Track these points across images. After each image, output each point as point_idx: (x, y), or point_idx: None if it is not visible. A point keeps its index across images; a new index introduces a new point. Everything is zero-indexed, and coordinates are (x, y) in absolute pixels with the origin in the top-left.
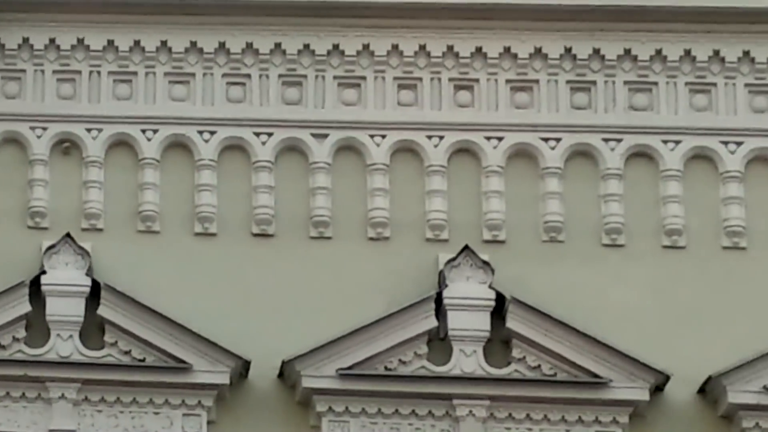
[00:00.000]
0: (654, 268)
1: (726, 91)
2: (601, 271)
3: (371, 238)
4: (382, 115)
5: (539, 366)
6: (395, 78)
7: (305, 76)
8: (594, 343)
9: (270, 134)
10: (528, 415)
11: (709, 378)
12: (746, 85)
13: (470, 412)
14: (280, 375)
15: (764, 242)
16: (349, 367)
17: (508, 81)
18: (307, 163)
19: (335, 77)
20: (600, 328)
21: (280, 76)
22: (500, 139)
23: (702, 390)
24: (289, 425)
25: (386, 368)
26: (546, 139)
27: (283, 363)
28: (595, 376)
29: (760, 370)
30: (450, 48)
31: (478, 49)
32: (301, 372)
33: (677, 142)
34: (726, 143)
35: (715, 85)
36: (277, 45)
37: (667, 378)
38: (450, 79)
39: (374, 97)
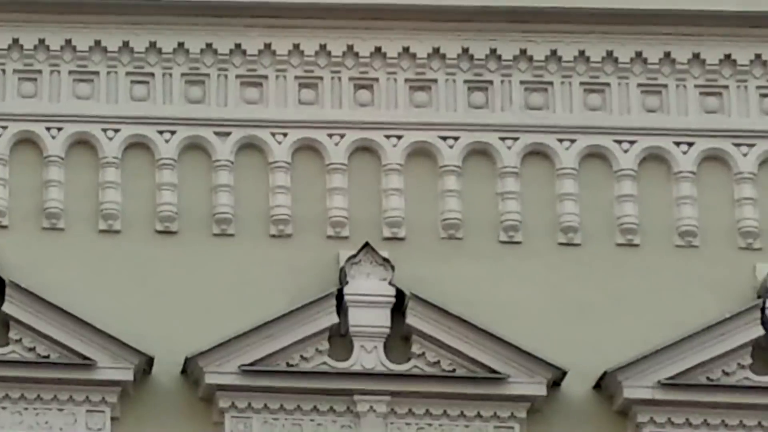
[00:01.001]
0: (550, 265)
1: (620, 90)
2: (498, 268)
3: (273, 236)
4: (283, 113)
5: (438, 362)
6: (296, 77)
7: (208, 75)
8: (492, 339)
9: (173, 132)
10: (428, 411)
11: (605, 373)
12: (639, 85)
13: (371, 407)
14: (183, 371)
15: (657, 239)
16: (252, 363)
17: (407, 80)
18: (210, 161)
19: (237, 76)
20: (498, 325)
21: (183, 74)
22: (399, 137)
23: (598, 385)
24: (192, 421)
25: (288, 364)
26: (444, 138)
27: (187, 359)
28: (493, 371)
29: (655, 365)
30: (350, 47)
31: (378, 49)
32: (204, 368)
33: (572, 141)
34: (620, 142)
35: (608, 85)
36: (180, 44)
37: (564, 373)
38: (350, 79)
39: (276, 95)
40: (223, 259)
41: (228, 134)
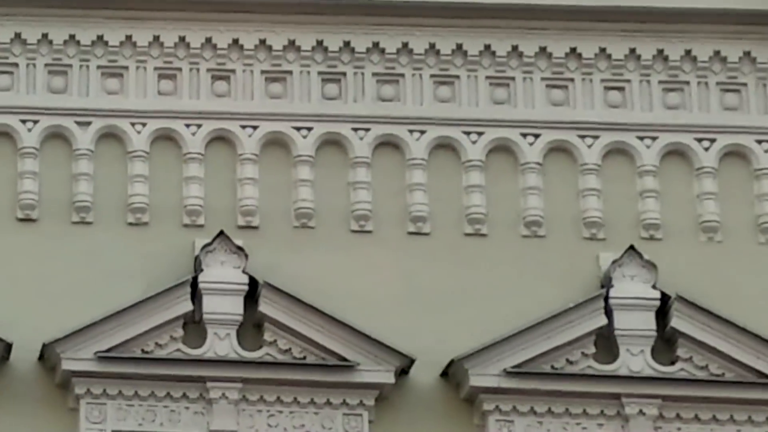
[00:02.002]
0: (400, 254)
1: (469, 83)
2: (349, 257)
3: (130, 224)
4: (143, 104)
5: (290, 349)
6: (156, 68)
7: (70, 66)
8: (342, 327)
9: (36, 121)
10: (279, 398)
11: (452, 361)
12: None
13: (223, 394)
14: (41, 357)
15: (504, 229)
16: (107, 350)
17: (263, 72)
18: (70, 149)
19: (99, 67)
20: (348, 313)
21: (46, 65)
22: (255, 127)
23: (445, 373)
24: (48, 407)
25: (143, 351)
26: (298, 128)
27: (44, 346)
28: (343, 359)
29: (500, 354)
30: (208, 39)
31: (235, 41)
32: (61, 354)
33: (422, 132)
34: (468, 133)
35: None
36: (44, 35)
37: (412, 361)
38: (208, 70)
39: (136, 86)
40: (81, 247)
41: (89, 123)
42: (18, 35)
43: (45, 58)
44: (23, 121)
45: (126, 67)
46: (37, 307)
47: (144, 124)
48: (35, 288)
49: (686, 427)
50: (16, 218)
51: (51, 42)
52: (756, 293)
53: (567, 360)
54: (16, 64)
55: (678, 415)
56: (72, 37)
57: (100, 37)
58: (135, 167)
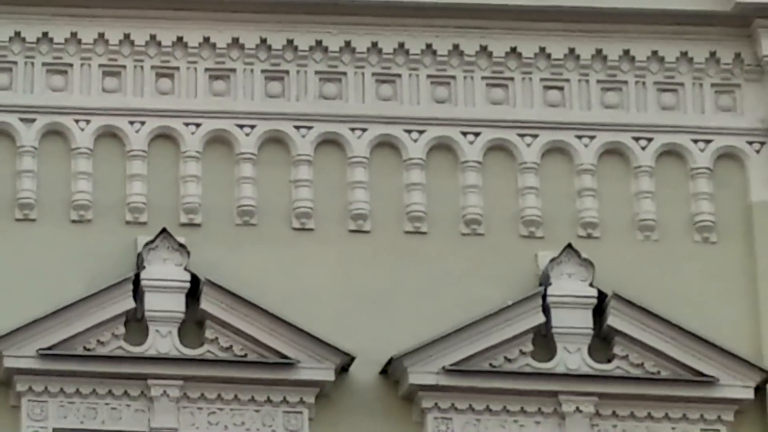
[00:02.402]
0: (341, 252)
1: (410, 82)
2: (291, 255)
3: (74, 221)
4: (87, 101)
5: (231, 347)
6: (101, 65)
7: (15, 63)
8: (283, 325)
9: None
10: (219, 396)
11: (391, 359)
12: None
13: (164, 392)
14: None
15: (444, 227)
16: (49, 348)
17: (207, 69)
18: (14, 146)
19: (44, 64)
20: (289, 310)
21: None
22: (198, 125)
23: (384, 371)
24: None
25: (85, 348)
26: (241, 126)
27: None
28: (284, 357)
29: (439, 352)
30: (153, 37)
31: (180, 38)
32: (3, 352)
33: (363, 130)
34: (410, 131)
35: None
36: (17, 33)
37: (352, 359)
38: (152, 67)
39: (80, 83)
40: (24, 244)
41: (33, 121)
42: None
43: None
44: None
45: (71, 65)
46: None
47: (88, 122)
48: None
49: (622, 424)
50: None
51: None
52: (691, 291)
53: (505, 358)
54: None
55: (614, 413)
56: (17, 33)
57: (45, 34)
58: (79, 164)
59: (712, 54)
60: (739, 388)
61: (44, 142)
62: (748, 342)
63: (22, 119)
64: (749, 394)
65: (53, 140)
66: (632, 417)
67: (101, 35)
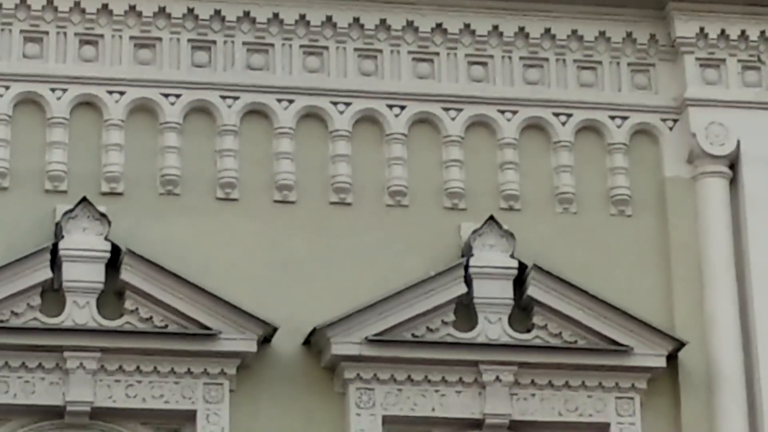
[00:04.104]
0: (265, 223)
1: (337, 55)
2: (214, 225)
3: None
4: (5, 66)
5: (151, 318)
6: (76, 34)
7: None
8: (205, 295)
9: None
10: (138, 368)
11: (314, 330)
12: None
13: (81, 364)
14: None
15: (369, 198)
16: None
17: (132, 37)
18: None
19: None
20: (211, 281)
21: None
22: (122, 93)
23: (307, 342)
24: None
25: None
26: (166, 95)
27: None
28: (205, 327)
29: (362, 322)
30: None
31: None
32: None
33: (290, 101)
34: (336, 104)
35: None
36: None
37: (275, 330)
38: (76, 34)
39: (56, 52)
40: None
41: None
42: None
43: None
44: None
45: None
46: None
47: (7, 87)
48: None
49: (540, 393)
50: None
51: None
52: (607, 263)
53: (427, 328)
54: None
55: (533, 382)
56: None
57: None
58: None
59: (629, 34)
60: (653, 356)
61: None
62: (661, 312)
63: None
64: (662, 363)
65: None
66: (550, 386)
67: (23, 1)
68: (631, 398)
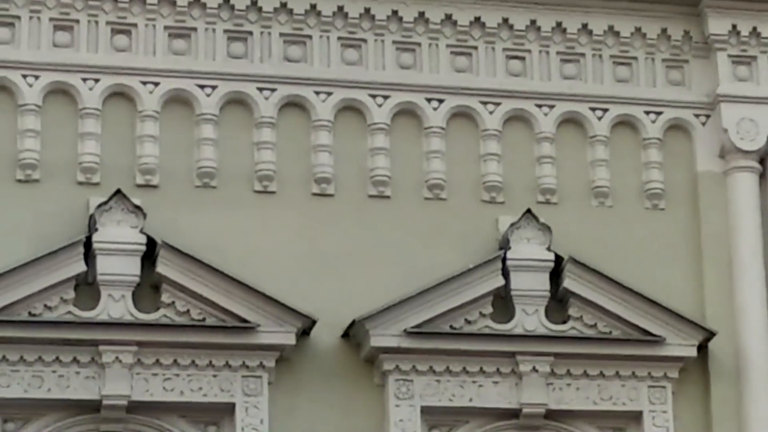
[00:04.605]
0: (303, 215)
1: (375, 47)
2: (252, 218)
3: (20, 180)
4: (36, 55)
5: (188, 311)
6: (51, 18)
7: (18, 17)
8: (242, 288)
9: None
10: (176, 361)
11: (353, 322)
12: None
13: (117, 358)
14: None
15: (407, 192)
16: None
17: (166, 27)
18: None
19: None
20: (249, 274)
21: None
22: (156, 84)
23: (346, 334)
24: None
25: (30, 314)
26: (202, 86)
27: None
28: (244, 320)
29: (401, 314)
30: None
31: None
32: None
33: (329, 94)
34: (374, 96)
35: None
36: None
37: (314, 322)
38: (108, 23)
39: (29, 36)
40: None
41: None
42: None
43: None
44: None
45: (18, 17)
46: None
47: (36, 77)
48: None
49: (575, 382)
50: None
51: None
52: (641, 255)
53: (465, 320)
54: None
55: (568, 372)
56: None
57: None
58: (26, 121)
59: (664, 30)
60: (684, 346)
61: None
62: (692, 303)
63: None
64: (693, 352)
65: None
66: (585, 375)
67: None
68: (663, 387)
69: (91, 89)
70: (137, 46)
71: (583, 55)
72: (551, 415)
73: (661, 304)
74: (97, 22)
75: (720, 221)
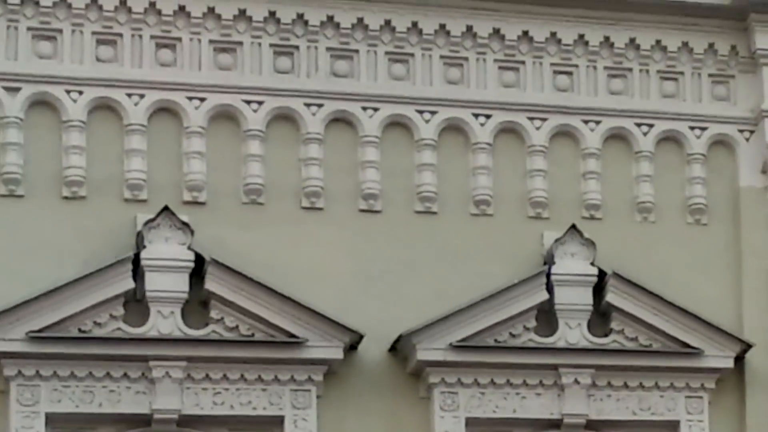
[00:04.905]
0: (350, 231)
1: (423, 62)
2: (299, 234)
3: (66, 197)
4: (80, 70)
5: (237, 327)
6: (94, 33)
7: (60, 31)
8: (290, 304)
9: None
10: (225, 376)
11: (400, 336)
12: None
13: (167, 373)
14: None
15: (454, 207)
16: (40, 330)
17: (211, 41)
18: None
19: (29, 28)
20: (297, 289)
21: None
22: (202, 99)
23: (393, 348)
24: None
25: (80, 330)
26: (249, 102)
27: None
28: (291, 335)
29: (446, 329)
30: (152, 5)
31: (182, 8)
32: None
33: (375, 110)
34: (422, 112)
35: (413, 55)
36: None
37: (361, 337)
38: (152, 37)
39: (71, 51)
40: (11, 222)
41: (18, 90)
42: None
43: None
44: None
45: (60, 30)
46: None
47: (80, 92)
48: None
49: (616, 394)
50: None
51: None
52: (683, 270)
53: (510, 333)
54: None
55: (609, 383)
56: None
57: None
58: (71, 138)
59: (711, 45)
60: (721, 358)
61: (31, 113)
62: (730, 316)
63: (5, 88)
64: (730, 364)
65: (41, 111)
66: (625, 387)
67: (94, 0)
68: (700, 397)
69: (136, 105)
70: (182, 61)
71: (630, 70)
72: (592, 425)
73: (700, 317)
74: (140, 36)
75: (761, 236)
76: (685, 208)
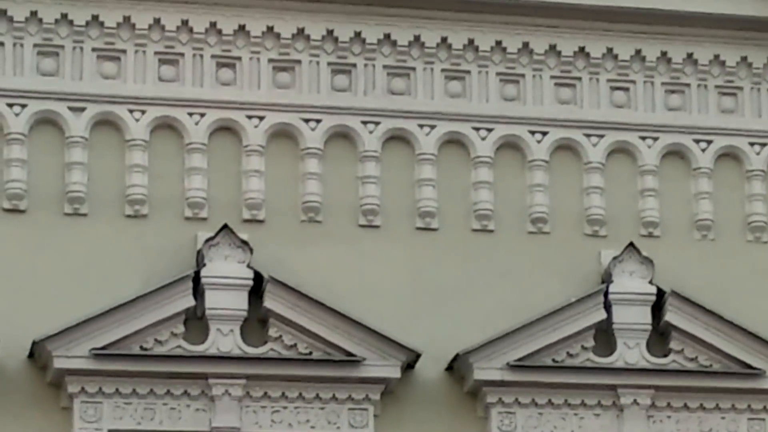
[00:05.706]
0: (407, 249)
1: (479, 78)
2: (357, 252)
3: (128, 216)
4: (142, 90)
5: (295, 345)
6: (156, 53)
7: (62, 47)
8: (348, 322)
9: (24, 106)
10: (283, 394)
11: (457, 356)
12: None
13: (226, 391)
14: (31, 355)
15: (511, 225)
16: (103, 347)
17: (270, 60)
18: (63, 137)
19: (94, 49)
20: (355, 308)
21: (35, 45)
22: (261, 118)
23: (450, 367)
24: (39, 407)
25: (142, 348)
26: (307, 120)
27: (34, 343)
28: (349, 354)
29: (504, 348)
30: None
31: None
32: (53, 352)
33: (432, 127)
34: (478, 129)
35: (469, 72)
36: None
37: (418, 356)
38: (213, 56)
39: (134, 71)
40: (75, 240)
41: (82, 109)
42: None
43: (34, 38)
44: (10, 105)
45: (124, 51)
46: (27, 302)
47: (143, 112)
48: (25, 282)
49: (676, 415)
50: (3, 208)
51: (41, 21)
52: (744, 289)
53: (567, 353)
54: (1, 44)
55: (669, 404)
56: (64, 16)
57: (95, 18)
58: (133, 157)
59: (743, 58)
60: None
61: (95, 132)
62: None
63: (70, 108)
64: None
65: (105, 131)
66: (686, 408)
67: (157, 21)
68: (762, 419)
69: (197, 124)
70: (242, 80)
71: (688, 85)
72: None
73: (761, 337)
74: (201, 56)
75: None
76: (745, 225)
